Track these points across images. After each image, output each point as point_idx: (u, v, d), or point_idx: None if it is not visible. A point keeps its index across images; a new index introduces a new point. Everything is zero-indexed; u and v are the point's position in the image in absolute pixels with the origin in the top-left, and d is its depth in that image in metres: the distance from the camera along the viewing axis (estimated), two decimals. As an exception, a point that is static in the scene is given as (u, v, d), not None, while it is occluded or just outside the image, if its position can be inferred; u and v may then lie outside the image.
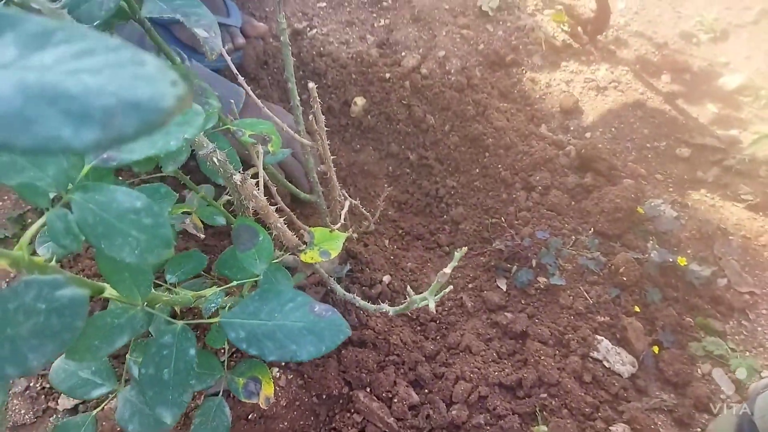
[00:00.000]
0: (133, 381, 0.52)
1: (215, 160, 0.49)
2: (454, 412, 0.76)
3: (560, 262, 0.95)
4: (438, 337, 0.89)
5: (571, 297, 0.91)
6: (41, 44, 0.14)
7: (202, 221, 0.66)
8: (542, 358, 0.83)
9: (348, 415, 0.75)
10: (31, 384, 0.79)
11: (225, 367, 0.57)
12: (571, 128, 1.18)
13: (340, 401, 0.77)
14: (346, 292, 0.67)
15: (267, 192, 0.58)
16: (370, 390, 0.77)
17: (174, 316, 0.51)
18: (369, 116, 1.12)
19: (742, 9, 1.35)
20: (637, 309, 0.91)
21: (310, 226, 0.60)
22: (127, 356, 0.53)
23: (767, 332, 0.93)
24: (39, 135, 0.13)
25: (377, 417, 0.74)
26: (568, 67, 1.26)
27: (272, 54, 1.11)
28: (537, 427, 0.77)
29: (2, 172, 0.36)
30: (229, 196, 0.63)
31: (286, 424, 0.71)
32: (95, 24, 0.43)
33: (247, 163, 0.60)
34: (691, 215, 1.04)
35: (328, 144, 0.65)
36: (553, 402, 0.79)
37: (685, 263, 0.93)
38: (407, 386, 0.78)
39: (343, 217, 0.71)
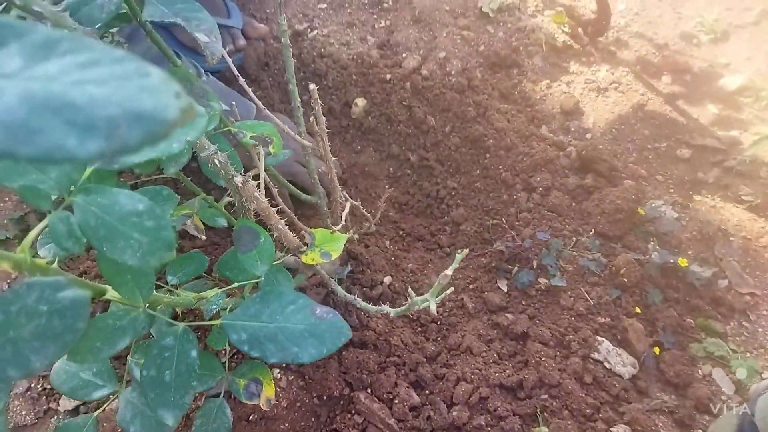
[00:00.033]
0: (134, 382, 0.52)
1: (217, 161, 0.49)
2: (455, 413, 0.76)
3: (561, 263, 0.95)
4: (439, 338, 0.89)
5: (572, 298, 0.91)
6: (46, 54, 0.14)
7: (203, 222, 0.66)
8: (543, 359, 0.83)
9: (349, 416, 0.75)
10: (33, 385, 0.79)
11: (226, 368, 0.57)
12: (572, 129, 1.18)
13: (341, 402, 0.77)
14: (347, 294, 0.67)
15: (268, 193, 0.58)
16: (371, 391, 0.77)
17: (175, 317, 0.52)
18: (370, 117, 1.12)
19: (743, 10, 1.35)
20: (637, 310, 0.91)
21: (311, 228, 0.61)
22: (129, 358, 0.54)
23: (768, 333, 0.93)
24: (43, 145, 0.13)
25: (378, 418, 0.74)
26: (569, 68, 1.26)
27: (273, 55, 1.11)
28: (538, 428, 0.77)
29: (5, 174, 0.36)
30: (231, 197, 0.63)
31: (287, 425, 0.72)
32: (96, 27, 0.43)
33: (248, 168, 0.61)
34: (691, 216, 1.04)
35: (329, 145, 0.65)
36: (554, 403, 0.79)
37: (686, 264, 0.93)
38: (408, 387, 0.78)
39: (344, 218, 0.72)
